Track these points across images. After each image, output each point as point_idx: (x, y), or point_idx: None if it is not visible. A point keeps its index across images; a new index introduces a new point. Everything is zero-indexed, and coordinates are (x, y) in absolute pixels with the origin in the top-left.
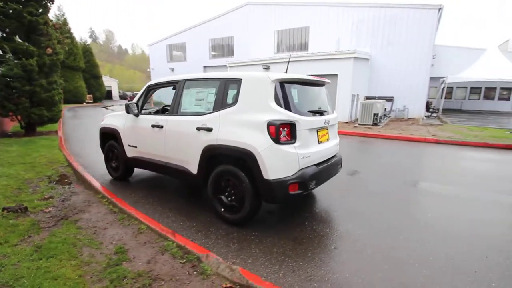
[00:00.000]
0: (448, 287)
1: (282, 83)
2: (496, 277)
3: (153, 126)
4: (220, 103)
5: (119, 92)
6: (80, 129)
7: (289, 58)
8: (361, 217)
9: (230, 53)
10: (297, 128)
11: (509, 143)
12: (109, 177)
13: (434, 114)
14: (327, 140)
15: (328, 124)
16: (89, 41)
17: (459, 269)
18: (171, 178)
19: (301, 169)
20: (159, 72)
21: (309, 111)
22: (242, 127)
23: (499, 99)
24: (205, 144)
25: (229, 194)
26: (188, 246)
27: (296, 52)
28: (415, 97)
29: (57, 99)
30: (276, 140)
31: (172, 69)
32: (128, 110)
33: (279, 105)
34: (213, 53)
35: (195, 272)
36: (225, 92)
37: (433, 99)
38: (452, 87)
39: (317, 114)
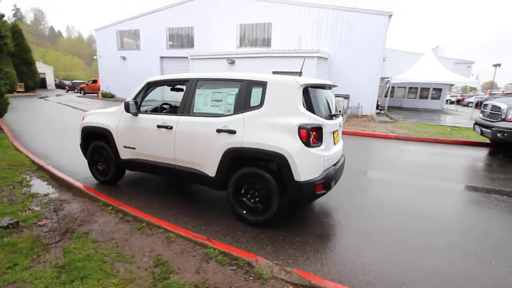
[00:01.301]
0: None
1: (307, 87)
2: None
3: (159, 126)
4: (243, 105)
5: (55, 80)
6: (26, 124)
7: (304, 60)
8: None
9: (190, 44)
10: (323, 132)
11: (454, 139)
12: (93, 180)
13: (382, 112)
14: (338, 141)
15: (340, 126)
16: (13, 20)
17: (396, 233)
18: (159, 179)
19: (325, 170)
20: (109, 61)
21: (329, 115)
22: (271, 130)
23: (432, 98)
24: (227, 146)
25: (252, 196)
26: (233, 252)
27: (259, 47)
28: (367, 95)
29: (3, 90)
30: (307, 143)
31: (124, 58)
32: (128, 108)
33: (307, 109)
34: (171, 43)
35: (251, 278)
36: (247, 94)
37: (379, 98)
38: (394, 87)
39: (333, 117)
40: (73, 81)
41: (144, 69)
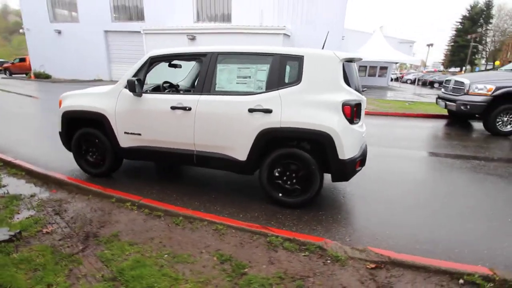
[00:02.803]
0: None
1: (345, 61)
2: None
3: (174, 108)
4: (277, 82)
5: None
6: None
7: (327, 34)
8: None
9: (140, 17)
10: (361, 107)
11: (417, 112)
12: (80, 174)
13: None
14: None
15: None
16: None
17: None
18: (154, 165)
19: (361, 146)
20: (39, 35)
21: (362, 90)
22: (312, 108)
23: (379, 76)
24: (262, 127)
25: (289, 178)
26: (298, 237)
27: (219, 23)
28: None
29: None
30: (351, 120)
31: (59, 32)
32: (133, 88)
33: (347, 84)
34: (116, 15)
35: (328, 261)
36: (282, 70)
37: None
38: None
39: (362, 92)
40: None
41: (85, 45)
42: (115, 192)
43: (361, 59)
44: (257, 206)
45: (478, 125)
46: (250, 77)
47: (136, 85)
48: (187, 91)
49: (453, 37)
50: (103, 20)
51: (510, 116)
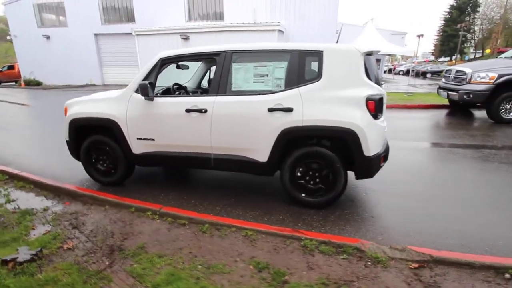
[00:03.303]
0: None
1: (365, 55)
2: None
3: (189, 110)
4: (296, 79)
5: None
6: None
7: (341, 28)
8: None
9: (131, 18)
10: (383, 101)
11: (417, 103)
12: (91, 183)
13: None
14: None
15: None
16: None
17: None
18: (161, 170)
19: (384, 141)
20: (28, 41)
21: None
22: (335, 104)
23: None
24: (283, 127)
25: (311, 177)
26: (334, 240)
27: (211, 21)
28: None
29: None
30: (375, 115)
31: (48, 37)
32: (146, 92)
33: (368, 78)
34: (106, 17)
35: (369, 263)
36: (301, 66)
37: None
38: None
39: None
40: None
41: (75, 49)
42: (133, 201)
43: (379, 51)
44: (280, 207)
45: (479, 114)
46: (267, 75)
47: (148, 89)
48: (194, 92)
49: (441, 27)
50: (92, 23)
51: None
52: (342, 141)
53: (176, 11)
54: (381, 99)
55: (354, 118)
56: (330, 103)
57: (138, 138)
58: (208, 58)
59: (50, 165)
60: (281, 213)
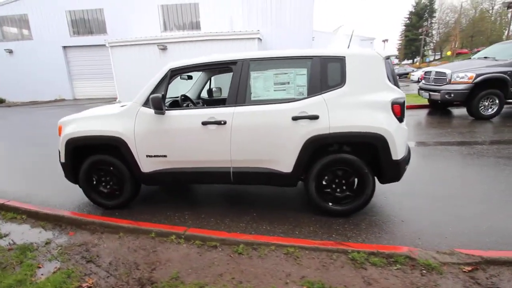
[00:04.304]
0: None
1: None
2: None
3: (205, 123)
4: (319, 86)
5: None
6: None
7: (352, 33)
8: None
9: (102, 29)
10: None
11: None
12: (92, 208)
13: None
14: None
15: None
16: None
17: None
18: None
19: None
20: None
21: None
22: (361, 109)
23: None
24: (309, 135)
25: (338, 185)
26: (382, 250)
27: (187, 31)
28: None
29: None
30: (400, 119)
31: (10, 51)
32: (159, 105)
33: (391, 82)
34: (75, 29)
35: (424, 271)
36: (323, 72)
37: None
38: None
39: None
40: None
41: (42, 63)
42: (151, 225)
43: (396, 55)
44: (306, 219)
45: (457, 112)
46: (288, 82)
47: (162, 102)
48: (196, 103)
49: (403, 32)
50: (60, 35)
51: (490, 100)
52: (370, 147)
53: (151, 21)
54: (404, 102)
55: (382, 122)
56: (356, 109)
57: (148, 156)
58: (223, 67)
59: (39, 190)
60: (310, 225)
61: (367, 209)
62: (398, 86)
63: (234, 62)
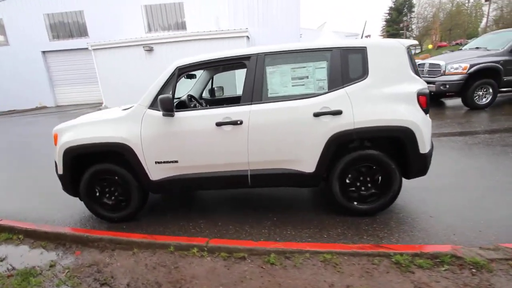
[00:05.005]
0: None
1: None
2: None
3: (219, 124)
4: (340, 79)
5: None
6: None
7: (365, 24)
8: None
9: (83, 33)
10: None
11: None
12: (95, 222)
13: None
14: None
15: None
16: None
17: None
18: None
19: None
20: None
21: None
22: (386, 102)
23: None
24: (332, 132)
25: (362, 183)
26: (425, 250)
27: (173, 31)
28: None
29: None
30: (426, 110)
31: None
32: (169, 107)
33: (414, 72)
34: (54, 33)
35: (474, 270)
36: (344, 64)
37: None
38: None
39: None
40: None
41: (20, 70)
42: (168, 238)
43: (417, 44)
44: (331, 220)
45: (451, 102)
46: (307, 77)
47: (172, 103)
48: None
49: (384, 27)
50: (39, 40)
51: (484, 90)
52: (395, 141)
53: (134, 23)
54: (429, 93)
55: (409, 115)
56: (381, 102)
57: (157, 162)
58: (236, 63)
59: (28, 206)
60: (336, 227)
61: (391, 206)
62: (420, 76)
63: (247, 57)
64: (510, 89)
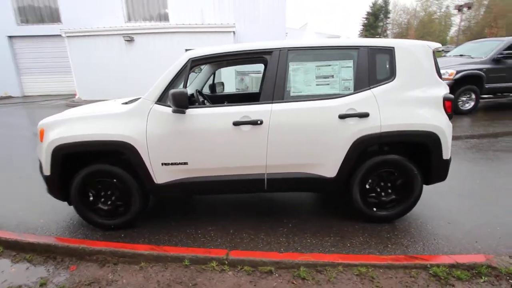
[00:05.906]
0: None
1: None
2: None
3: (237, 123)
4: (367, 79)
5: None
6: None
7: (383, 24)
8: None
9: (55, 18)
10: None
11: None
12: (88, 230)
13: None
14: None
15: None
16: None
17: None
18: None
19: None
20: None
21: None
22: (413, 106)
23: None
24: (358, 135)
25: (382, 189)
26: (460, 261)
27: (155, 22)
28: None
29: None
30: (450, 115)
31: None
32: (183, 103)
33: (439, 76)
34: (22, 17)
35: (511, 281)
36: (371, 65)
37: None
38: None
39: None
40: None
41: None
42: (180, 250)
43: (440, 47)
44: (349, 227)
45: None
46: (333, 76)
47: (186, 99)
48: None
49: (361, 31)
50: (4, 24)
51: (467, 96)
52: (418, 146)
53: (113, 10)
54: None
55: (436, 120)
56: (408, 105)
57: (164, 163)
58: (256, 57)
59: (2, 212)
60: (357, 234)
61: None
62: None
63: (269, 52)
64: (490, 96)
